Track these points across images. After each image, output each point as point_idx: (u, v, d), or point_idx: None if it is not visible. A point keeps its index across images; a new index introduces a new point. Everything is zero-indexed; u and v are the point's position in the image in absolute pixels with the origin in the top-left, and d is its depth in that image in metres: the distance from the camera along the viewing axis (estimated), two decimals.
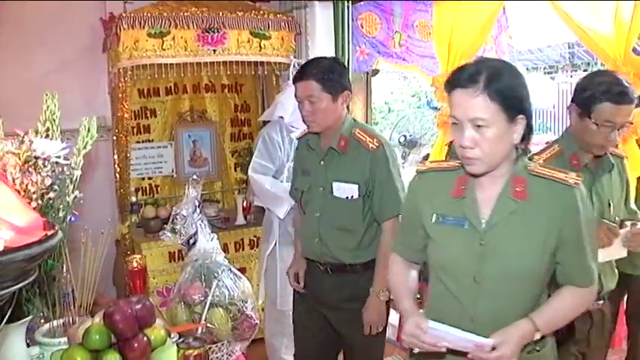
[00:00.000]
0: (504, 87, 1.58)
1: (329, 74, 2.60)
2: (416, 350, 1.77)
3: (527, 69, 8.96)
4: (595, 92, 2.28)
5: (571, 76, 9.68)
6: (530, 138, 1.69)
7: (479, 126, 1.58)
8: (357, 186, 2.61)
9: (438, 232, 1.77)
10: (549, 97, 10.37)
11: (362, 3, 4.57)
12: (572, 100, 2.41)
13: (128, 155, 4.10)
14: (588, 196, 2.32)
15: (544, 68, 9.58)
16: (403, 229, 1.99)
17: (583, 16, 2.96)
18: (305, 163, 2.81)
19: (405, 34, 4.76)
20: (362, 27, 4.63)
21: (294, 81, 2.69)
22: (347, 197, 2.63)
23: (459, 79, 1.62)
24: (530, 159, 2.38)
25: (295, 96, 2.69)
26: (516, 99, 1.61)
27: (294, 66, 3.90)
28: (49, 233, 1.13)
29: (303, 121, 2.70)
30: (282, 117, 3.71)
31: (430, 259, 1.85)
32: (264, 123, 4.01)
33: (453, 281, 1.75)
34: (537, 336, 1.70)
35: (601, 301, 2.51)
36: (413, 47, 4.78)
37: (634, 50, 3.00)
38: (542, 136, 8.94)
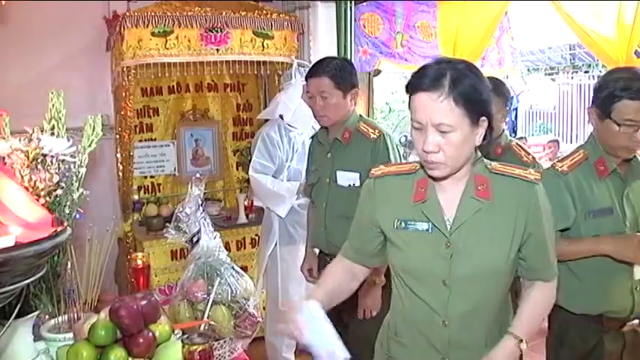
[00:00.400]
0: (469, 90, 1.53)
1: (341, 72, 2.73)
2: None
3: (528, 70, 8.99)
4: (613, 90, 2.12)
5: (572, 78, 9.71)
6: (490, 138, 1.65)
7: (443, 131, 1.53)
8: (358, 174, 2.71)
9: (401, 238, 1.71)
10: (550, 98, 10.39)
11: (364, 3, 4.59)
12: (592, 103, 2.26)
13: (131, 153, 4.11)
14: (620, 203, 2.22)
15: (545, 69, 9.61)
16: (357, 234, 1.88)
17: (586, 18, 2.97)
18: (315, 158, 2.91)
19: (407, 35, 4.79)
20: (364, 27, 4.66)
21: (308, 77, 2.77)
22: (349, 185, 2.73)
23: (422, 82, 1.55)
24: (554, 166, 2.29)
25: (307, 91, 2.77)
26: (480, 102, 1.56)
27: (295, 66, 3.92)
28: (59, 229, 1.15)
29: (314, 115, 2.80)
30: (281, 116, 3.73)
31: (394, 265, 1.79)
32: (265, 122, 4.04)
33: (421, 286, 1.70)
34: (524, 347, 1.69)
35: (636, 321, 2.30)
36: (415, 48, 4.80)
37: (635, 53, 3.01)
38: (542, 137, 8.97)
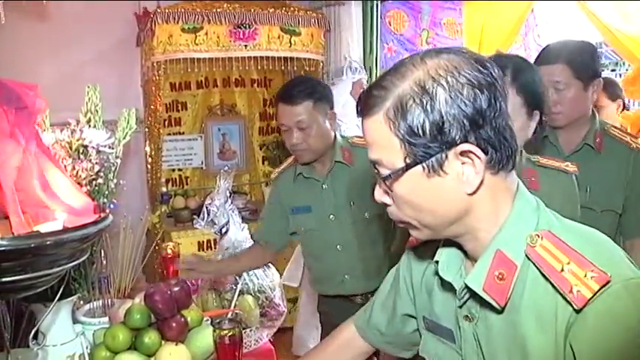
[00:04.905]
0: None
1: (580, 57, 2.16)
2: None
3: None
4: None
5: None
6: None
7: None
8: None
9: None
10: None
11: (390, 1, 4.61)
12: None
13: (160, 147, 4.19)
14: None
15: None
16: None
17: (611, 16, 2.98)
18: None
19: (432, 32, 4.78)
20: (390, 24, 4.67)
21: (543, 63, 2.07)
22: None
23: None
24: None
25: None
26: None
27: (347, 64, 3.93)
28: (102, 215, 1.22)
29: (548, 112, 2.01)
30: None
31: None
32: None
33: None
34: None
35: None
36: (440, 45, 4.80)
37: None
38: None
